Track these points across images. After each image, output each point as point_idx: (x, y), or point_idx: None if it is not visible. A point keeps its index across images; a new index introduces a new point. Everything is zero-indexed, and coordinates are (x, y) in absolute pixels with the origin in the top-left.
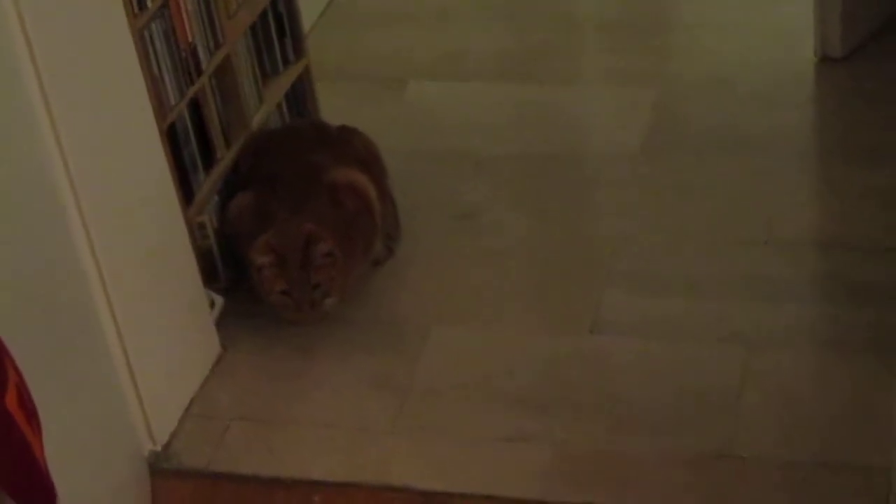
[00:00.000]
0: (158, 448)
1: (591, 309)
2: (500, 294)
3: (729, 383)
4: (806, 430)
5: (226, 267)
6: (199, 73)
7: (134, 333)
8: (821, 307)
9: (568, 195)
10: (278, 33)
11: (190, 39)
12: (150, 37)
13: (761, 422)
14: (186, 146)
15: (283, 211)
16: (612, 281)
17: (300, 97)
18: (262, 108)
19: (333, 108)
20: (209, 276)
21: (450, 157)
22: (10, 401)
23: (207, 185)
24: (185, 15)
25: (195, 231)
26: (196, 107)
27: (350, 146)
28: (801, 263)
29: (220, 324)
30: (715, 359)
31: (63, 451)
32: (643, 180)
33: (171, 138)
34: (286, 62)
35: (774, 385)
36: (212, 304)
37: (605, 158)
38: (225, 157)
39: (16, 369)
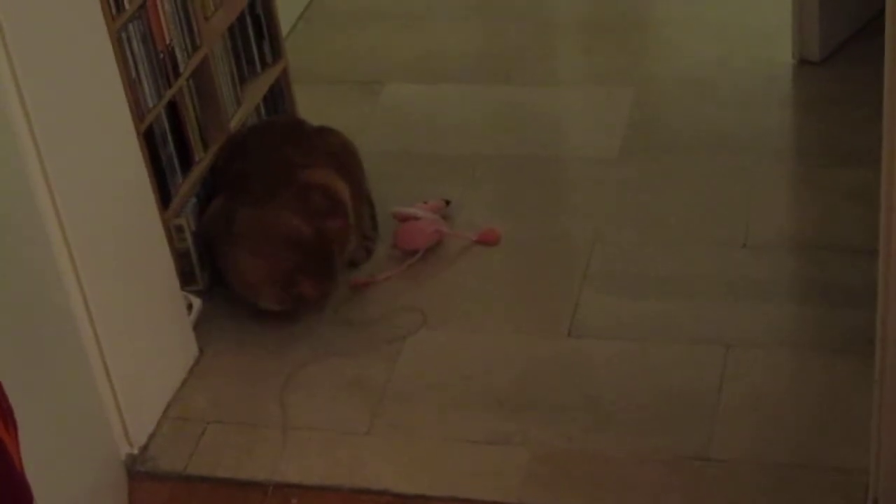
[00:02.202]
0: (135, 451)
1: (568, 310)
2: (477, 296)
3: (707, 384)
4: (784, 432)
5: (203, 269)
6: (177, 75)
7: (111, 335)
8: (798, 308)
9: (545, 196)
10: (256, 35)
11: (167, 41)
12: (128, 38)
13: (739, 423)
14: (164, 148)
15: (247, 206)
16: (589, 282)
17: (278, 99)
18: (240, 110)
19: (311, 110)
20: (187, 278)
21: (426, 159)
22: None
23: (185, 186)
24: (162, 17)
25: (173, 233)
26: (174, 109)
27: (326, 145)
28: (779, 264)
29: (198, 326)
30: (693, 360)
31: (39, 454)
32: (621, 181)
33: (149, 140)
34: (264, 64)
35: (752, 386)
36: (189, 307)
37: (583, 159)
38: (203, 159)
39: None
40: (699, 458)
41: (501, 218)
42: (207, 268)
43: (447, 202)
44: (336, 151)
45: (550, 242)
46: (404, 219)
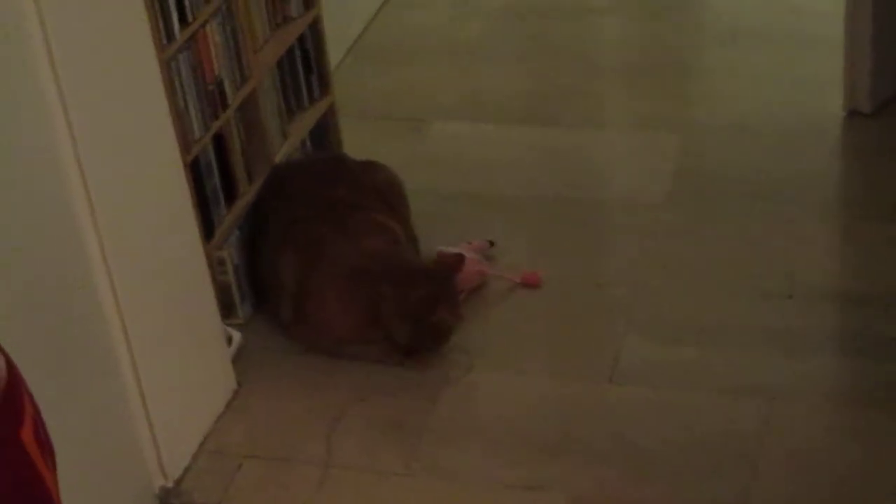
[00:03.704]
0: (170, 484)
1: (610, 356)
2: (519, 338)
3: (746, 434)
4: (821, 485)
5: (244, 302)
6: (225, 107)
7: (150, 367)
8: (841, 360)
9: (589, 240)
10: (305, 69)
11: (216, 73)
12: (177, 69)
13: (777, 474)
14: (209, 180)
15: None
16: (632, 329)
17: (324, 134)
18: (286, 144)
19: (356, 146)
20: (227, 311)
21: (470, 198)
22: (27, 434)
23: (229, 219)
24: (212, 48)
25: (215, 265)
26: (220, 141)
27: (373, 182)
28: (822, 315)
29: (237, 360)
30: (733, 409)
31: (73, 484)
32: (665, 228)
33: (194, 171)
34: (311, 98)
35: (793, 439)
36: (229, 340)
37: (627, 204)
38: (247, 192)
39: (32, 402)
40: None
41: (544, 260)
42: (248, 301)
43: (491, 243)
44: (383, 189)
45: (593, 287)
46: None
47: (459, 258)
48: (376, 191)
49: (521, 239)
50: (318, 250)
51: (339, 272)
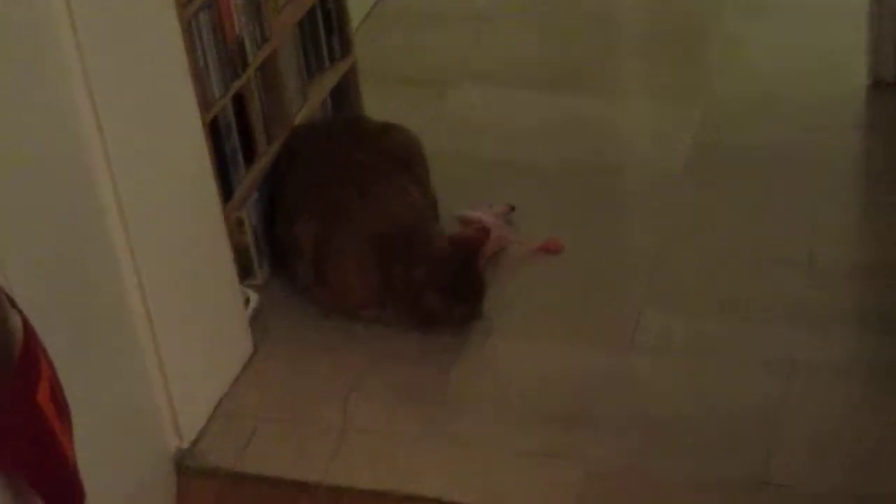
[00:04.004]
0: (185, 445)
1: (629, 326)
2: (538, 305)
3: (766, 407)
4: (841, 460)
5: (262, 264)
6: (245, 67)
7: (166, 328)
8: (861, 334)
9: (609, 208)
10: (326, 30)
11: (237, 32)
12: (198, 28)
13: (797, 449)
14: (228, 140)
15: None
16: (652, 299)
17: (344, 95)
18: (307, 105)
19: (376, 108)
20: (245, 272)
21: (491, 163)
22: (42, 396)
23: (248, 180)
24: (233, 7)
25: (233, 226)
26: (240, 101)
27: (391, 145)
28: (844, 289)
29: (254, 321)
30: (753, 383)
31: (89, 444)
32: (686, 197)
33: (213, 132)
34: (332, 59)
35: (812, 412)
36: (246, 302)
37: (649, 173)
38: (266, 153)
39: (49, 363)
40: (754, 483)
41: (564, 227)
42: (266, 262)
43: (512, 207)
44: (402, 152)
45: (612, 255)
46: (469, 223)
47: (483, 233)
48: (395, 153)
49: (542, 205)
50: (336, 213)
51: (359, 236)
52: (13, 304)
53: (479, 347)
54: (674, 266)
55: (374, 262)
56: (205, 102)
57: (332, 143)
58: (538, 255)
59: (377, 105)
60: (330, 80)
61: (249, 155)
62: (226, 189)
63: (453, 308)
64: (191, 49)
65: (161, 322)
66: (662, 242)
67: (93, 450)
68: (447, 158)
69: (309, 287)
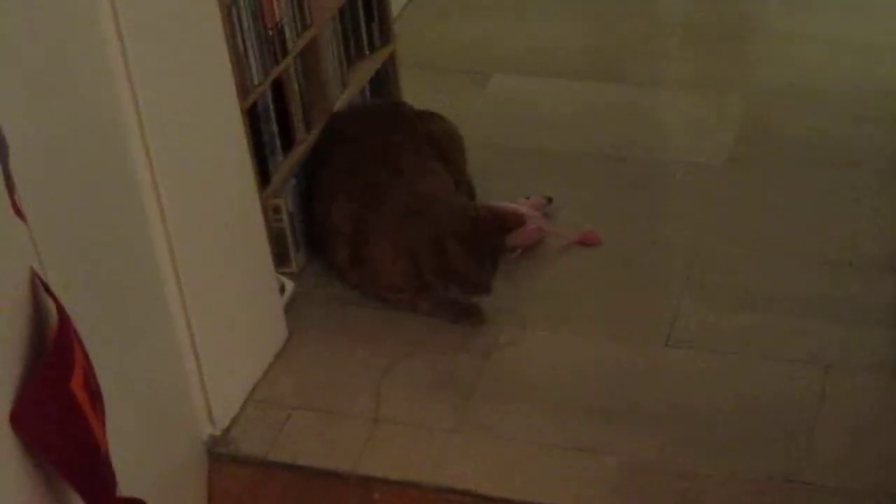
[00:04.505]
0: (218, 432)
1: (667, 320)
2: (574, 298)
3: (802, 404)
4: (877, 458)
5: (298, 251)
6: (285, 53)
7: (201, 314)
8: None
9: (648, 200)
10: (366, 17)
11: (277, 18)
12: (238, 14)
13: (832, 444)
14: (266, 127)
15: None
16: (689, 293)
17: (384, 83)
18: (346, 92)
19: (416, 96)
20: (281, 259)
21: (529, 153)
22: (76, 382)
23: (285, 167)
24: None
25: (269, 213)
26: (279, 88)
27: (427, 131)
28: (883, 285)
29: (289, 309)
30: (790, 379)
31: (122, 430)
32: (726, 190)
33: (252, 118)
34: (372, 47)
35: (850, 410)
36: (282, 289)
37: (688, 165)
38: (304, 140)
39: (83, 351)
40: (788, 481)
41: (602, 219)
42: (302, 250)
43: (549, 199)
44: (439, 139)
45: (651, 248)
46: None
47: (517, 218)
48: (433, 140)
49: (580, 196)
50: (373, 193)
51: (395, 214)
52: (48, 290)
53: (514, 339)
54: (712, 260)
55: (405, 243)
56: (244, 88)
57: (372, 126)
58: (575, 247)
59: (416, 93)
60: (369, 67)
61: (288, 142)
62: (263, 176)
63: (471, 266)
64: (230, 35)
65: (195, 308)
66: (701, 235)
67: (125, 436)
68: (485, 148)
69: (345, 268)
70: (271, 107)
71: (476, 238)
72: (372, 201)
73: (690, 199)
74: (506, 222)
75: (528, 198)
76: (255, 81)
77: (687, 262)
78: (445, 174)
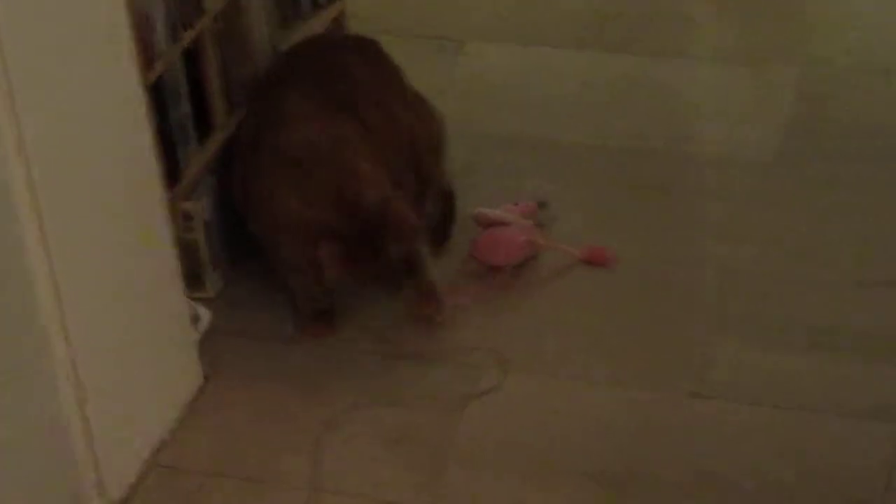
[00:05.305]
0: None
1: (693, 362)
2: (575, 333)
3: (871, 469)
4: None
5: (216, 270)
6: (200, 13)
7: (89, 354)
8: None
9: (670, 206)
10: None
11: None
12: None
13: None
14: (175, 109)
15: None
16: (722, 326)
17: None
18: None
19: None
20: (194, 282)
21: (513, 143)
22: None
23: (200, 160)
24: None
25: (179, 221)
26: (192, 58)
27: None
28: None
29: (204, 346)
30: (853, 436)
31: None
32: (770, 195)
33: (157, 96)
34: (315, 4)
35: None
36: (195, 320)
37: (724, 162)
38: (225, 126)
39: None
40: None
41: (611, 230)
42: (221, 269)
43: (541, 204)
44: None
45: (674, 269)
46: (489, 224)
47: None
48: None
49: (582, 201)
50: (275, 119)
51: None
52: None
53: (496, 385)
54: (753, 285)
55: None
56: (146, 57)
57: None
58: (577, 267)
59: None
60: (311, 31)
61: (204, 127)
62: (171, 171)
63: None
64: None
65: (83, 346)
66: (739, 253)
67: None
68: (457, 137)
69: (239, 204)
70: (183, 82)
71: (352, 236)
72: (270, 128)
73: (725, 206)
74: (400, 229)
75: (515, 203)
76: (162, 47)
77: (719, 287)
78: (403, 164)
